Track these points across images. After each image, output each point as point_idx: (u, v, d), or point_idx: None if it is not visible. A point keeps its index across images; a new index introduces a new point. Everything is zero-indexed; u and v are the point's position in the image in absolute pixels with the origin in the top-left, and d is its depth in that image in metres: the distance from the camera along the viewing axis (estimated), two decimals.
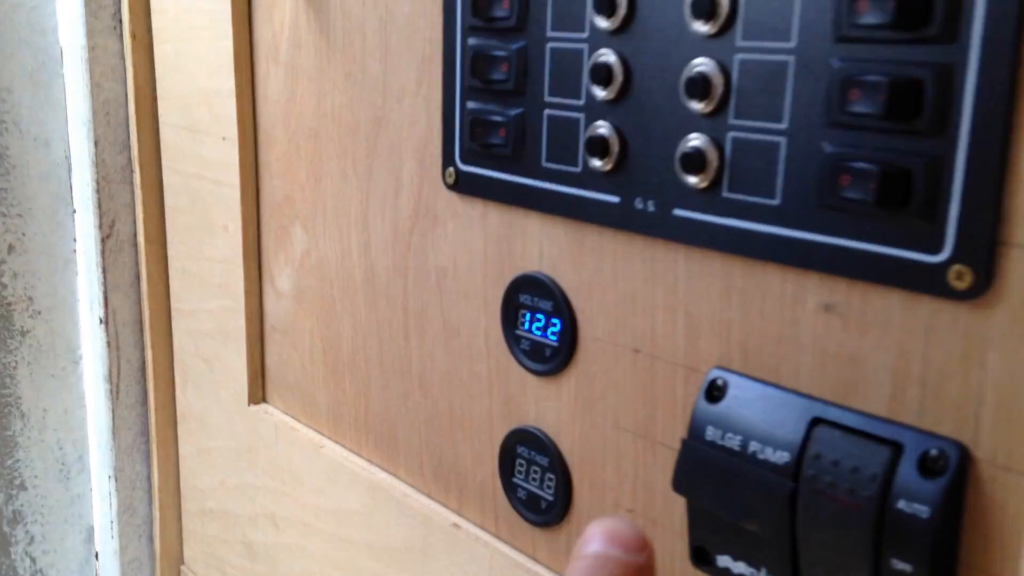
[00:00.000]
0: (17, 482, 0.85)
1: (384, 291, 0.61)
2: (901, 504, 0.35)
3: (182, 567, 0.89)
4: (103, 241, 0.82)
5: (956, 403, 0.35)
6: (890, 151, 0.34)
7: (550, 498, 0.52)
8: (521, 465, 0.54)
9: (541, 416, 0.52)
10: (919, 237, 0.34)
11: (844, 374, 0.38)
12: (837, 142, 0.36)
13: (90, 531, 0.91)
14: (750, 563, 0.41)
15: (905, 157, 0.34)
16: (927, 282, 0.34)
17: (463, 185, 0.53)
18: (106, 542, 0.90)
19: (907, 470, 0.35)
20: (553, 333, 0.50)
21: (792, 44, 0.37)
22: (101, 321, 0.84)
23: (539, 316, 0.51)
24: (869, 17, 0.33)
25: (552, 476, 0.52)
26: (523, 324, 0.52)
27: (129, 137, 0.81)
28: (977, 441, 0.34)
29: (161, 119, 0.79)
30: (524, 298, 0.51)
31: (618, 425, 0.48)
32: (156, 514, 0.88)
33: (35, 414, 0.85)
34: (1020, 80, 0.32)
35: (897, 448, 0.36)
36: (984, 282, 0.33)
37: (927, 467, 0.35)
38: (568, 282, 0.49)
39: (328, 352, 0.68)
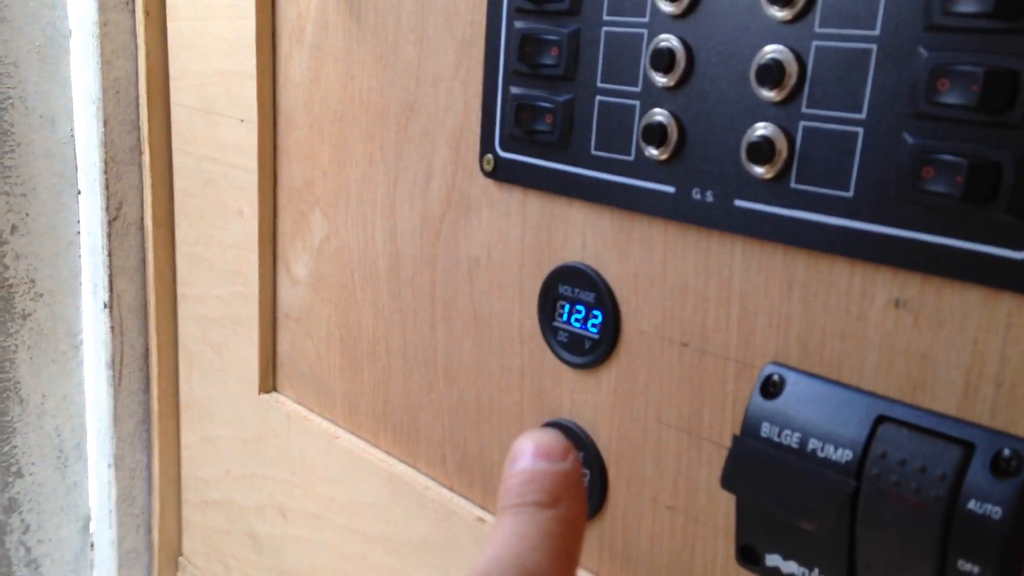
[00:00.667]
0: (14, 469, 0.83)
1: (410, 280, 0.60)
2: (972, 505, 0.34)
3: (180, 559, 0.87)
4: (109, 224, 0.81)
5: None
6: (980, 143, 0.33)
7: (590, 496, 0.51)
8: None
9: (577, 410, 0.51)
10: (1006, 232, 0.34)
11: (913, 372, 0.37)
12: (921, 133, 0.35)
13: (86, 520, 0.89)
14: (801, 562, 0.40)
15: (996, 150, 0.33)
16: (1011, 279, 0.34)
17: (502, 172, 0.52)
18: (103, 532, 0.88)
19: (978, 470, 0.35)
20: (594, 325, 0.49)
21: (876, 32, 0.36)
22: (105, 305, 0.82)
23: (579, 307, 0.50)
24: (966, 6, 0.33)
25: (587, 471, 0.51)
26: (561, 315, 0.51)
27: (139, 117, 0.79)
28: None
29: (173, 99, 0.78)
30: (564, 289, 0.50)
31: (660, 420, 0.47)
32: (155, 504, 0.86)
33: (34, 399, 0.83)
34: None
35: (969, 448, 0.35)
36: None
37: (1000, 467, 0.34)
38: (613, 273, 0.48)
39: (346, 341, 0.66)
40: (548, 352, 0.52)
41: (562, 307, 0.51)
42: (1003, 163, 0.33)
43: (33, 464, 0.85)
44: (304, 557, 0.72)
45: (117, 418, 0.84)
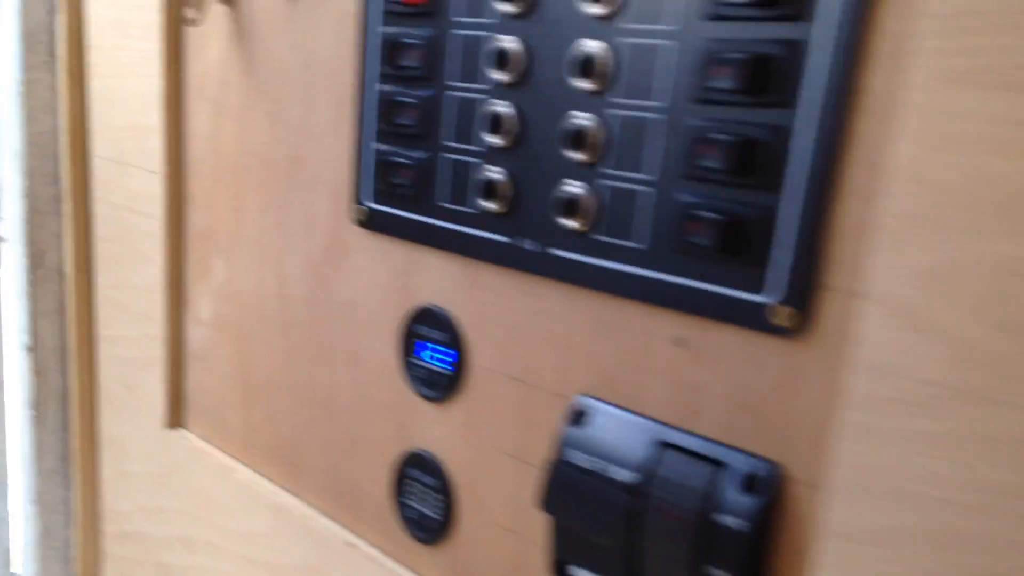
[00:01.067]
0: None
1: (297, 321, 0.64)
2: (722, 518, 0.39)
3: None
4: (32, 270, 0.85)
5: (779, 429, 0.39)
6: (730, 202, 0.39)
7: (437, 517, 0.55)
8: (411, 486, 0.57)
9: (432, 440, 0.56)
10: (751, 279, 0.39)
11: (689, 401, 0.42)
12: (689, 192, 0.40)
13: (6, 554, 0.92)
14: (598, 573, 0.45)
15: (742, 208, 0.38)
16: (757, 320, 0.39)
17: (371, 222, 0.57)
18: (26, 565, 0.91)
19: (730, 488, 0.39)
20: (446, 362, 0.54)
21: (657, 103, 0.41)
22: (28, 348, 0.86)
23: (434, 346, 0.54)
24: (719, 82, 0.38)
25: (440, 497, 0.55)
26: (419, 353, 0.55)
27: (60, 169, 0.84)
28: (793, 462, 0.38)
29: (93, 151, 0.82)
30: (421, 328, 0.55)
31: (499, 449, 0.51)
32: (75, 537, 0.90)
33: None
34: (843, 147, 0.36)
35: (721, 467, 0.40)
36: (804, 321, 0.37)
37: (749, 485, 0.39)
38: (462, 314, 0.53)
39: (243, 379, 0.70)
40: (408, 387, 0.56)
41: (420, 345, 0.55)
42: (747, 220, 0.38)
43: None
44: None
45: (39, 455, 0.88)
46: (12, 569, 0.92)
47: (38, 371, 0.86)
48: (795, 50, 0.36)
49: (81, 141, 0.82)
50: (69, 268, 0.85)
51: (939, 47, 0.31)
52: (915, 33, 0.32)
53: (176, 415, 0.78)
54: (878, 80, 0.35)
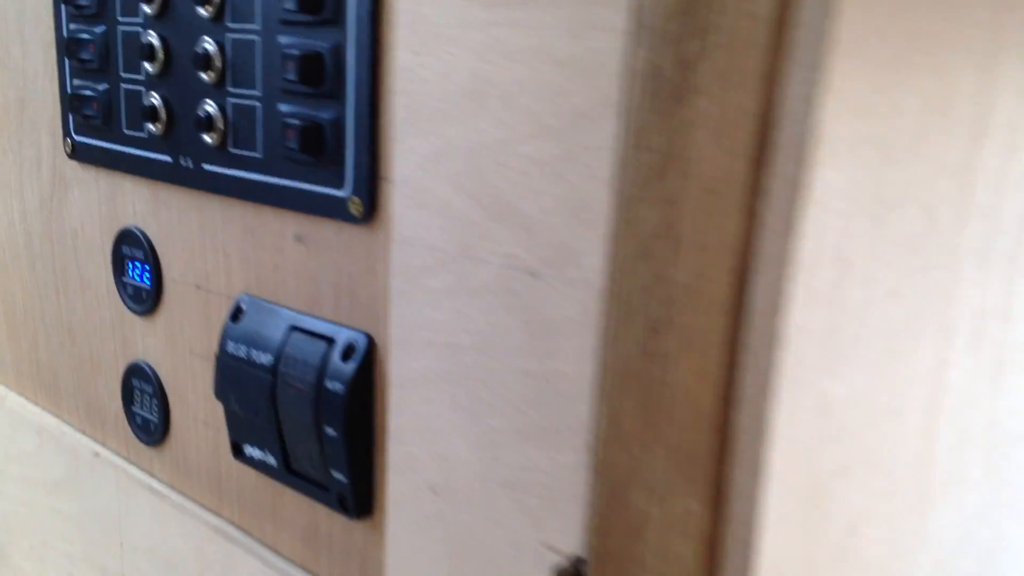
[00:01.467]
0: None
1: (39, 254, 0.69)
2: (328, 384, 0.45)
3: None
4: None
5: (367, 304, 0.45)
6: (310, 111, 0.44)
7: (156, 420, 0.61)
8: (136, 395, 0.62)
9: (148, 351, 0.61)
10: (334, 177, 0.44)
11: (311, 290, 0.48)
12: (284, 104, 0.46)
13: None
14: (261, 448, 0.51)
15: (318, 116, 0.44)
16: (342, 212, 0.44)
17: (78, 153, 0.61)
18: None
19: (334, 359, 0.45)
20: (146, 278, 0.59)
21: (257, 26, 0.46)
22: None
23: (136, 264, 0.59)
24: (288, 4, 0.43)
25: (156, 401, 0.60)
26: (127, 272, 0.60)
27: None
28: (377, 331, 0.44)
29: None
30: (126, 249, 0.60)
31: (193, 351, 0.57)
32: None
33: None
34: (380, 58, 0.41)
35: (330, 342, 0.46)
36: (371, 210, 0.43)
37: (347, 355, 0.45)
38: (153, 233, 0.58)
39: (7, 313, 0.75)
40: (123, 305, 0.61)
41: (127, 264, 0.60)
42: (324, 125, 0.44)
43: None
44: (2, 508, 0.80)
45: None
46: None
47: None
48: None
49: None
50: None
51: None
52: None
53: None
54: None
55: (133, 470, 0.64)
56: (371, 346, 0.45)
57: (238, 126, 0.49)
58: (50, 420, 0.72)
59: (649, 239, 0.31)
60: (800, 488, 0.31)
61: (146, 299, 0.59)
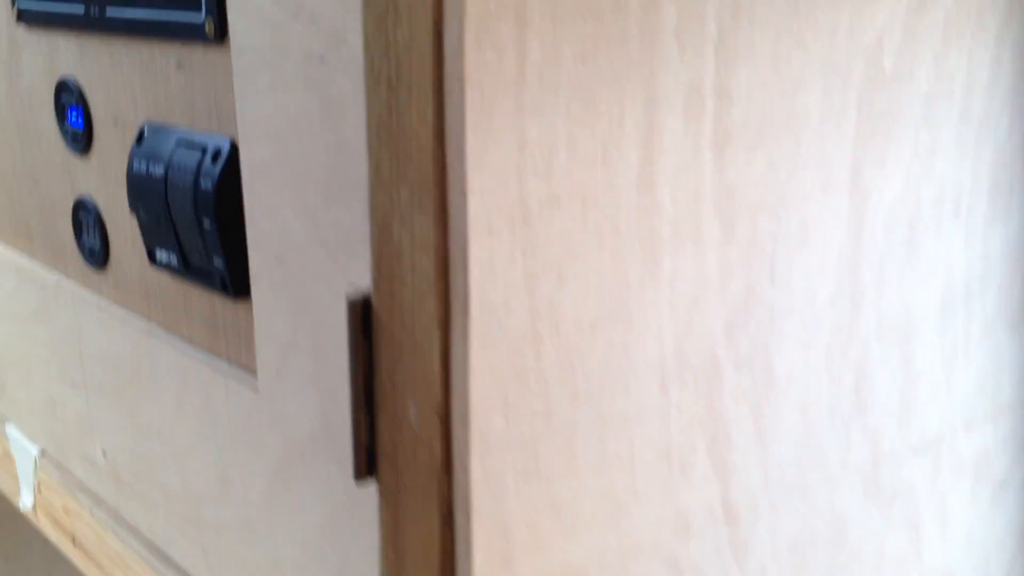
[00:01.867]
0: None
1: (5, 115, 0.79)
2: (202, 183, 0.54)
3: None
4: None
5: (230, 114, 0.54)
6: None
7: (98, 247, 0.71)
8: (83, 227, 0.72)
9: (88, 186, 0.70)
10: (193, 5, 0.53)
11: (191, 109, 0.57)
12: None
13: None
14: (165, 248, 0.60)
15: None
16: (201, 34, 0.53)
17: (24, 17, 0.70)
18: None
19: (207, 162, 0.54)
20: (80, 122, 0.68)
21: None
22: None
23: (72, 110, 0.69)
24: None
25: (97, 230, 0.70)
26: (67, 118, 0.70)
27: None
28: (236, 135, 0.53)
29: None
30: (64, 98, 0.69)
31: (119, 180, 0.66)
32: None
33: None
34: None
35: (203, 150, 0.55)
36: (221, 30, 0.52)
37: (215, 157, 0.54)
38: (82, 80, 0.67)
39: None
40: (67, 148, 0.71)
41: (66, 112, 0.69)
42: None
43: None
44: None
45: None
46: None
47: None
48: None
49: None
50: None
51: None
52: None
53: None
54: None
55: (86, 293, 0.74)
56: (234, 149, 0.53)
57: None
58: (25, 261, 0.82)
59: (382, 11, 0.39)
60: (505, 208, 0.40)
61: (81, 139, 0.69)
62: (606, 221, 0.43)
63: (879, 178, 0.53)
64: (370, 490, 0.47)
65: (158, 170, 0.58)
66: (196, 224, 0.55)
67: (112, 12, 0.60)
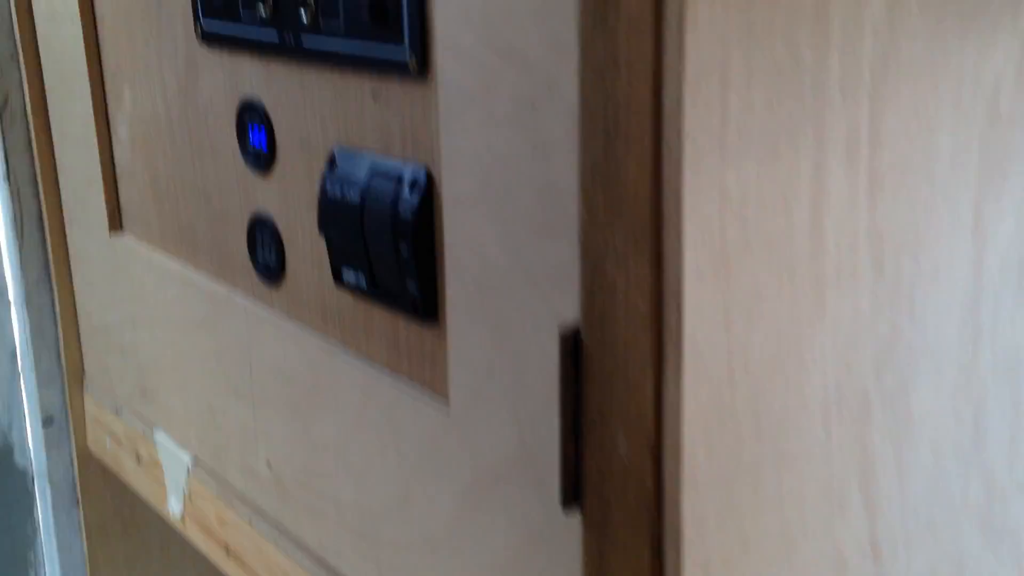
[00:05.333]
0: None
1: (178, 130, 0.82)
2: (400, 212, 0.56)
3: (84, 376, 1.12)
4: (0, 113, 1.03)
5: (426, 145, 0.56)
6: None
7: (275, 263, 0.73)
8: (258, 243, 0.75)
9: (267, 204, 0.73)
10: (395, 42, 0.55)
11: (385, 137, 0.59)
12: None
13: (13, 351, 1.13)
14: (354, 270, 0.63)
15: None
16: (402, 70, 0.55)
17: (207, 38, 0.74)
18: (25, 358, 1.12)
19: (404, 192, 0.56)
20: (263, 142, 0.71)
21: None
22: (4, 177, 1.05)
23: (255, 130, 0.71)
24: None
25: (274, 247, 0.73)
26: (249, 138, 0.72)
27: (14, 27, 1.01)
28: (435, 166, 0.55)
29: (35, 11, 0.99)
30: (246, 118, 0.72)
31: (300, 200, 0.69)
32: (60, 334, 1.10)
33: None
34: None
35: (399, 179, 0.57)
36: (424, 66, 0.54)
37: (412, 187, 0.56)
38: (267, 103, 0.70)
39: (153, 183, 0.89)
40: (246, 166, 0.74)
41: (248, 132, 0.72)
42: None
43: None
44: (153, 353, 0.95)
45: (24, 268, 1.08)
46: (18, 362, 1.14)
47: (15, 196, 1.06)
48: None
49: (27, 1, 1.00)
50: (29, 109, 1.03)
51: None
52: None
53: (116, 222, 0.96)
54: None
55: (258, 307, 0.77)
56: (430, 178, 0.55)
57: (324, 3, 0.60)
58: (190, 272, 0.85)
59: (600, 67, 0.41)
60: (709, 252, 0.41)
61: (264, 159, 0.71)
62: (784, 263, 0.45)
63: (996, 217, 0.54)
64: (570, 518, 0.49)
65: (353, 195, 0.60)
66: (392, 249, 0.57)
67: (309, 42, 0.62)
